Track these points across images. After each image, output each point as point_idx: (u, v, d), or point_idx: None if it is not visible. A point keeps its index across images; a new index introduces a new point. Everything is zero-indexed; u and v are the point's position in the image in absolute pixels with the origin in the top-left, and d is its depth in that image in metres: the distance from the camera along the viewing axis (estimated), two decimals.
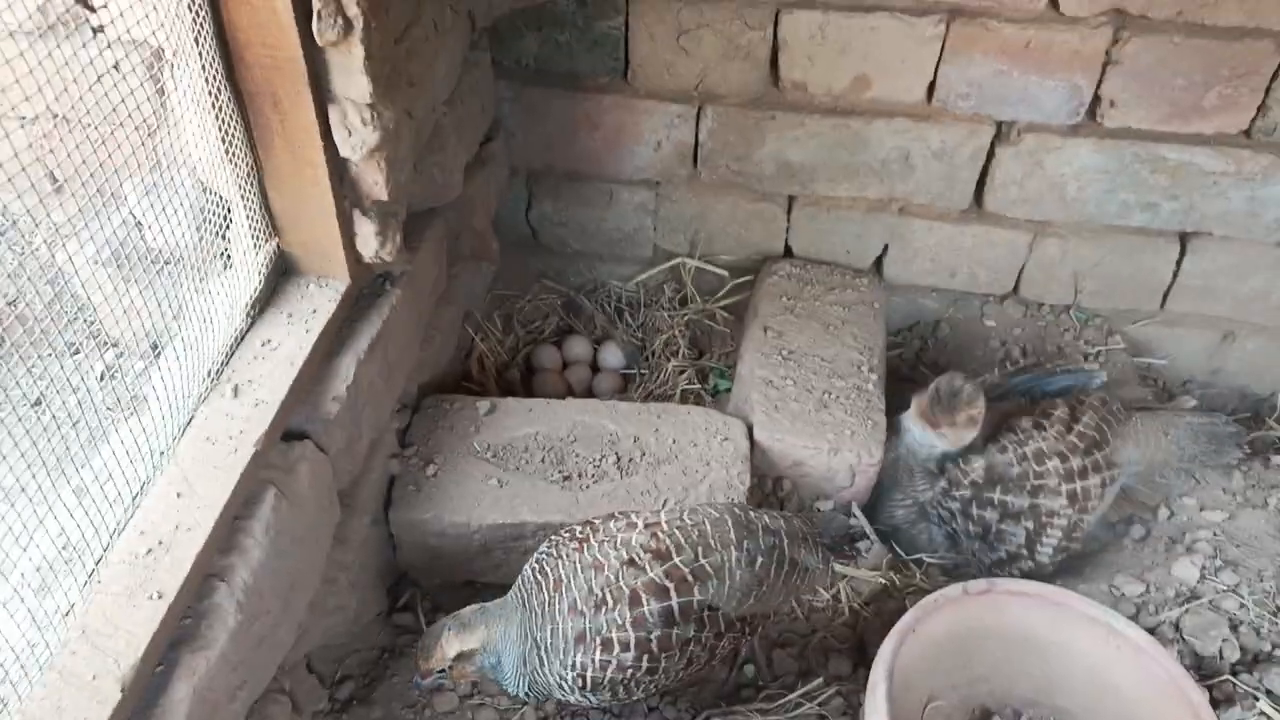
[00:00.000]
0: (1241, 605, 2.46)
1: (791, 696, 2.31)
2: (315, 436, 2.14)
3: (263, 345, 2.15)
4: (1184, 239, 3.13)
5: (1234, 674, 2.32)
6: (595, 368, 3.35)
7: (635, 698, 2.06)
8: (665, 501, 2.50)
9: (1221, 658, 2.37)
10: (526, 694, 2.08)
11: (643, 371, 3.28)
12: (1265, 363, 3.34)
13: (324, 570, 2.20)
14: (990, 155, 3.02)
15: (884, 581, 2.60)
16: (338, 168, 2.14)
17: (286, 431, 2.09)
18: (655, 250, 3.45)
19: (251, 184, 2.11)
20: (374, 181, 2.18)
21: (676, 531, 2.04)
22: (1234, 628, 2.41)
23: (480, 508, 2.46)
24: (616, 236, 3.41)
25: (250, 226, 2.16)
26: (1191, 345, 3.35)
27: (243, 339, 2.16)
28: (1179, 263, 3.17)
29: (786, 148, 3.08)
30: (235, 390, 2.05)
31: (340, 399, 2.18)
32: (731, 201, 3.26)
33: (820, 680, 2.34)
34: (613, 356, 3.32)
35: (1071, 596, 2.25)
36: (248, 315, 2.18)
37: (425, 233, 2.66)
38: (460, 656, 2.02)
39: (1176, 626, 2.45)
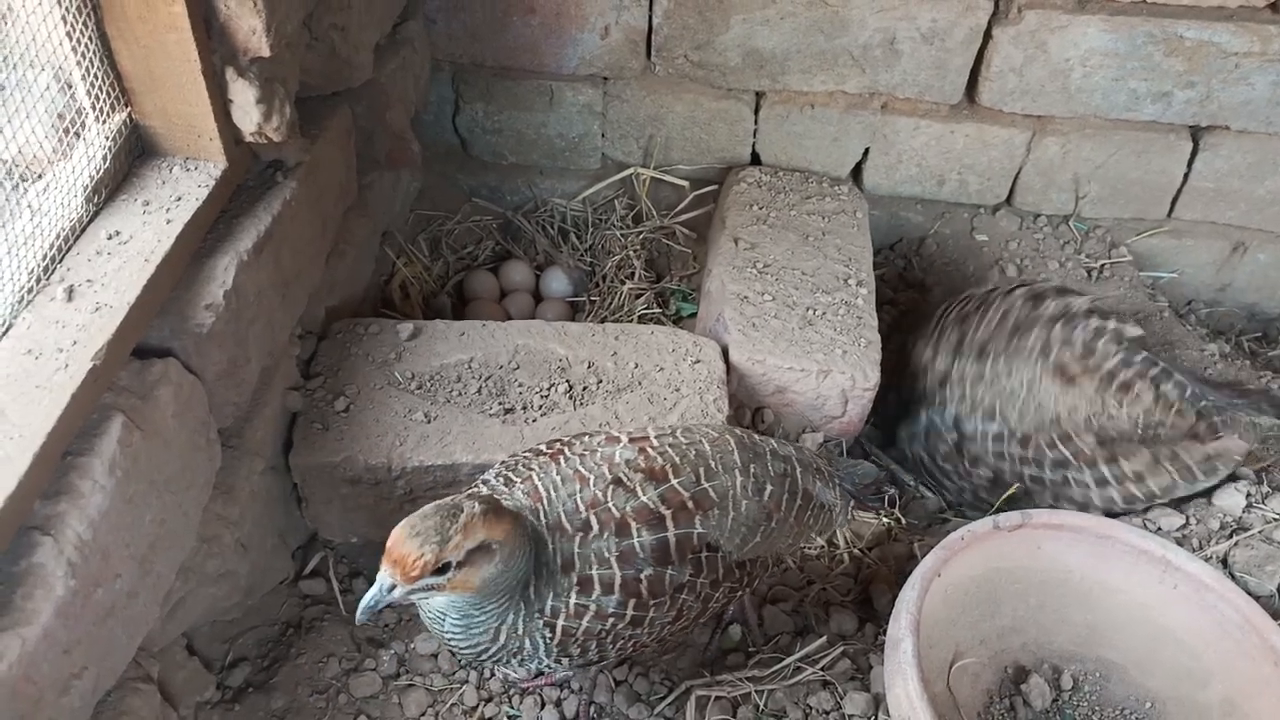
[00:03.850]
0: None
1: (789, 661, 1.91)
2: (182, 355, 1.67)
3: (109, 238, 1.66)
4: (1197, 135, 2.79)
5: None
6: (538, 296, 2.90)
7: (607, 659, 1.63)
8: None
9: None
10: (479, 646, 1.53)
11: (592, 299, 2.85)
12: (1278, 276, 3.05)
13: (200, 526, 1.74)
14: (987, 37, 2.64)
15: (888, 523, 2.22)
16: (202, 8, 1.66)
17: (142, 347, 1.62)
18: (604, 161, 3.00)
19: (86, 28, 1.62)
20: (250, 29, 1.71)
21: (670, 449, 1.61)
22: None
23: (403, 447, 2.01)
24: (559, 145, 2.96)
25: (89, 88, 1.67)
26: (1199, 258, 3.04)
27: (83, 231, 1.68)
28: (1190, 162, 2.84)
29: (754, 31, 2.66)
30: (69, 292, 1.57)
31: (216, 308, 1.70)
32: (691, 100, 2.83)
33: (822, 640, 1.95)
34: (557, 283, 2.88)
35: (1118, 527, 1.89)
36: (89, 202, 1.69)
37: (327, 121, 2.19)
38: (480, 550, 1.38)
39: (1224, 562, 2.11)
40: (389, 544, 1.35)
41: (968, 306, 2.39)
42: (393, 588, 1.36)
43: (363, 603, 1.37)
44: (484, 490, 1.58)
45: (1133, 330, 2.25)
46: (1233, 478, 2.26)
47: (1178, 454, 2.16)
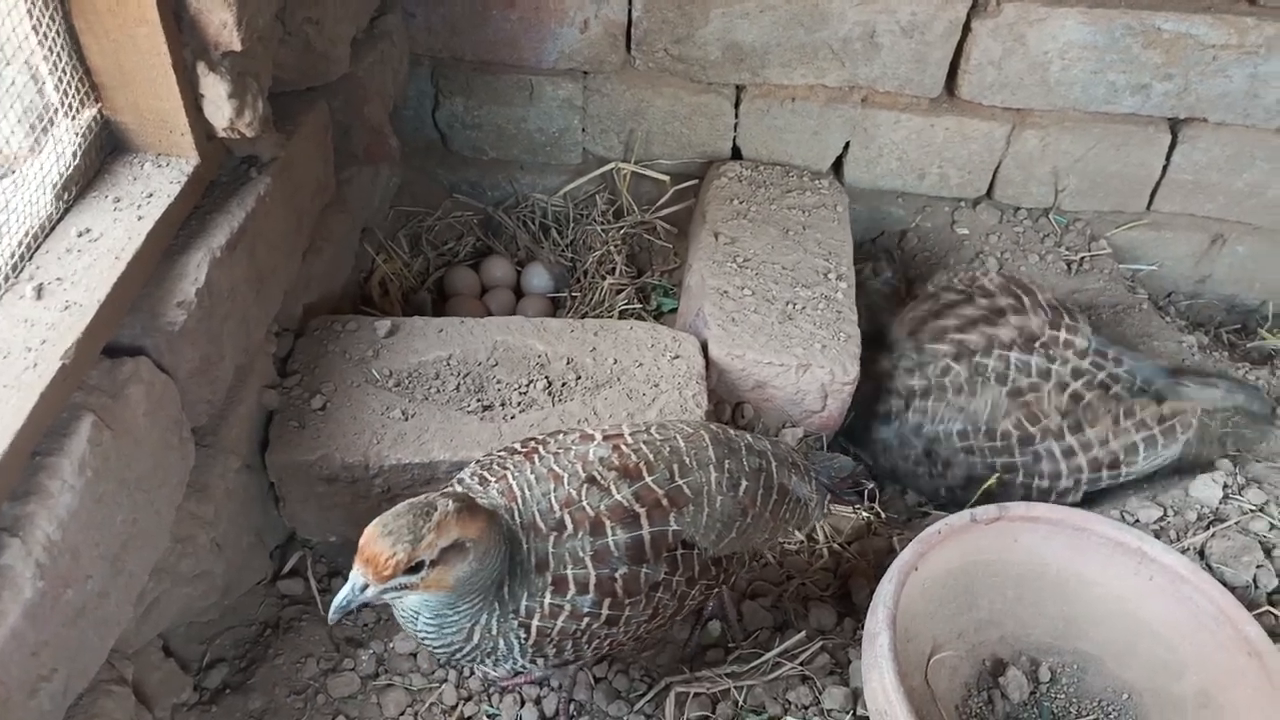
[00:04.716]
0: (1272, 526, 2.14)
1: (768, 656, 1.91)
2: (154, 353, 1.65)
3: (79, 236, 1.65)
4: (1175, 128, 2.80)
5: (1273, 604, 2.00)
6: (519, 292, 2.89)
7: (584, 658, 1.63)
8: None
9: (1257, 586, 2.05)
10: (452, 645, 1.51)
11: (574, 294, 2.84)
12: (1256, 268, 3.06)
13: (174, 525, 1.72)
14: (966, 30, 2.64)
15: (867, 517, 2.22)
16: (172, 1, 1.65)
17: (112, 345, 1.60)
18: (585, 155, 3.00)
19: (54, 22, 1.60)
20: (221, 22, 1.69)
21: (644, 446, 1.61)
22: (1267, 552, 2.09)
23: (380, 445, 2.00)
24: (540, 140, 2.95)
25: (57, 83, 1.66)
26: (1178, 250, 3.05)
27: (52, 228, 1.66)
28: (1169, 155, 2.85)
29: (734, 25, 2.65)
30: (38, 290, 1.55)
31: (188, 305, 1.69)
32: (671, 94, 2.82)
33: (801, 635, 1.95)
34: (538, 278, 2.87)
35: (1094, 519, 1.89)
36: (59, 199, 1.67)
37: (303, 116, 2.17)
38: (454, 548, 1.36)
39: (1201, 553, 2.12)
40: (361, 543, 1.34)
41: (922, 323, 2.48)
42: (365, 587, 1.34)
43: (335, 602, 1.36)
44: (459, 489, 1.57)
45: (1081, 341, 2.35)
46: (1209, 467, 2.28)
47: (1134, 410, 2.25)
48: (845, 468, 1.96)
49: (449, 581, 1.40)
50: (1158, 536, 2.15)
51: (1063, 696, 1.91)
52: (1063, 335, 2.34)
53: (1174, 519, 2.19)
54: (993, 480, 2.26)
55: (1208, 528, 2.15)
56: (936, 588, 1.84)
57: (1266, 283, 3.08)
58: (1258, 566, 2.06)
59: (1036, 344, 2.32)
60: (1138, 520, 2.20)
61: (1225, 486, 2.22)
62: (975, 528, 1.85)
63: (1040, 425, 2.25)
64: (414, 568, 1.34)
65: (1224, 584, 2.01)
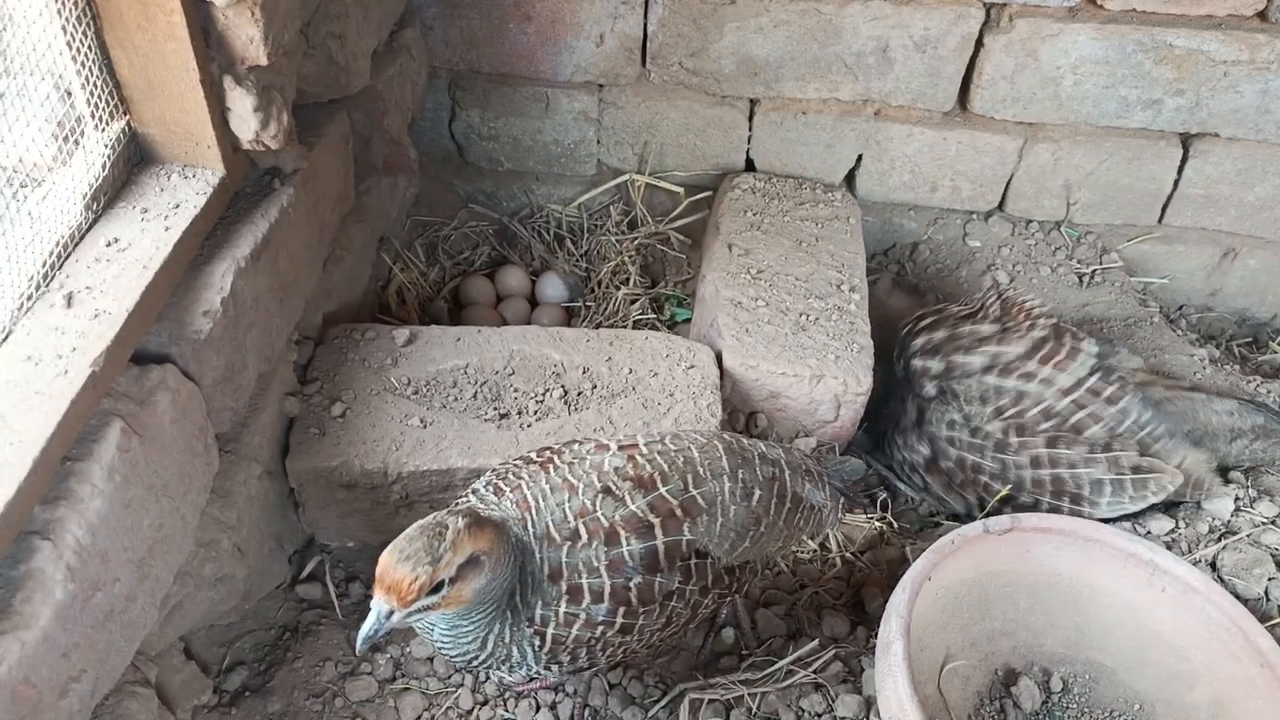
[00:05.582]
0: None
1: (782, 664, 1.93)
2: (180, 360, 1.69)
3: (108, 245, 1.68)
4: (1187, 142, 2.82)
5: None
6: (534, 301, 2.92)
7: (598, 665, 1.65)
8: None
9: (1268, 599, 2.06)
10: (469, 654, 1.55)
11: (588, 304, 2.86)
12: (1268, 281, 3.07)
13: (198, 530, 1.75)
14: (979, 45, 2.66)
15: (880, 526, 2.24)
16: (200, 17, 1.68)
17: (140, 353, 1.64)
18: (599, 167, 3.03)
19: (85, 36, 1.64)
20: (248, 38, 1.72)
21: (658, 456, 1.63)
22: (1279, 565, 2.10)
23: (399, 452, 2.03)
24: (555, 151, 2.98)
25: (88, 96, 1.69)
26: (1190, 264, 3.06)
27: (82, 238, 1.70)
28: (1180, 169, 2.86)
29: (749, 39, 2.68)
30: (69, 299, 1.58)
31: (213, 314, 1.72)
32: (686, 106, 2.85)
33: (814, 643, 1.96)
34: (553, 288, 2.90)
35: (1106, 531, 1.91)
36: (88, 209, 1.71)
37: (325, 127, 2.21)
38: (470, 563, 1.39)
39: (1213, 565, 2.13)
40: (379, 572, 1.36)
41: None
42: (390, 614, 1.36)
43: (362, 633, 1.37)
44: (473, 499, 1.59)
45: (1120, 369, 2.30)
46: (1224, 480, 2.29)
47: (1112, 446, 2.19)
48: (857, 471, 1.98)
49: (467, 595, 1.43)
50: (1169, 548, 2.16)
51: (1075, 706, 1.93)
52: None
53: (1185, 531, 2.20)
54: (1005, 490, 2.27)
55: (1219, 540, 2.16)
56: (950, 597, 1.86)
57: (1278, 296, 3.08)
58: (1269, 579, 2.07)
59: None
60: (1149, 532, 2.21)
61: (1237, 499, 2.23)
62: (988, 538, 1.86)
63: (1021, 439, 2.23)
64: (435, 588, 1.37)
65: (1236, 596, 2.02)
